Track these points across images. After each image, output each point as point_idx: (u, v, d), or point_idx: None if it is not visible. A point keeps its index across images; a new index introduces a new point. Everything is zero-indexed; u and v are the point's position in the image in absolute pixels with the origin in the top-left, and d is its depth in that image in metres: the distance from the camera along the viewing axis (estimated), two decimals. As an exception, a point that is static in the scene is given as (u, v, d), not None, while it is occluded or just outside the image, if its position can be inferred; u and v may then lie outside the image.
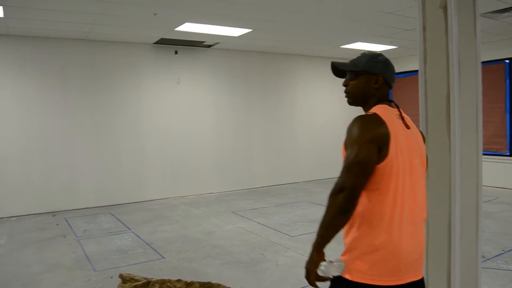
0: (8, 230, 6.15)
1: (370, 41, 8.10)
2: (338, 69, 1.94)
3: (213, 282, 3.61)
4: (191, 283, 3.53)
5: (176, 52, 8.25)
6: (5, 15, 5.72)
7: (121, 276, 3.83)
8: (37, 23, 6.24)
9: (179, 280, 3.58)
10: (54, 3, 5.34)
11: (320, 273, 1.66)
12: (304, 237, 5.43)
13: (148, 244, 5.32)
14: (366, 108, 1.86)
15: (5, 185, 6.95)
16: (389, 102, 1.84)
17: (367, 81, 1.83)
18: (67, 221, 6.63)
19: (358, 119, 1.69)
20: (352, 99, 1.89)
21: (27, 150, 7.10)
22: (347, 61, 1.92)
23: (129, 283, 3.68)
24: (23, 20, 6.07)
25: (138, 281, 3.70)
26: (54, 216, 7.00)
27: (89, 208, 7.49)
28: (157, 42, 7.88)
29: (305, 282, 1.72)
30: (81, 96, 7.49)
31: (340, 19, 6.52)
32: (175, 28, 6.77)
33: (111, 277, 4.16)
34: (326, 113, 10.19)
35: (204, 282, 3.58)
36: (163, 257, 4.82)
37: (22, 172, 7.08)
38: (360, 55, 1.90)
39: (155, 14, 5.92)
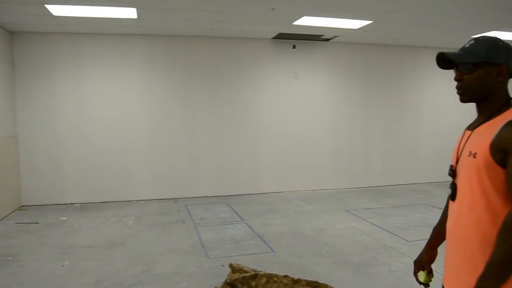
0: (136, 212, 6.76)
1: (509, 29, 7.18)
2: (444, 61, 1.61)
3: (320, 282, 3.50)
4: (298, 280, 3.47)
5: (294, 47, 8.24)
6: (138, 16, 6.24)
7: (231, 265, 3.92)
8: (166, 22, 6.71)
9: (286, 276, 3.55)
10: (180, 2, 5.68)
11: None
12: (421, 243, 5.00)
13: (260, 237, 5.40)
14: (487, 106, 1.55)
15: (136, 172, 7.66)
16: None
17: (488, 73, 1.51)
18: (187, 208, 7.06)
19: None
20: (468, 96, 1.57)
21: (155, 141, 7.72)
22: (456, 51, 1.59)
23: (238, 274, 3.75)
24: (154, 20, 6.57)
25: (247, 272, 3.75)
26: (176, 202, 7.51)
27: (207, 197, 7.89)
28: (275, 37, 7.95)
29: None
30: (203, 90, 7.89)
31: (477, 6, 5.86)
32: (293, 22, 6.75)
33: (222, 265, 4.29)
34: (453, 111, 9.35)
35: (311, 281, 3.49)
36: (273, 251, 4.85)
37: (150, 160, 7.72)
38: (473, 41, 1.56)
39: (273, 9, 5.96)
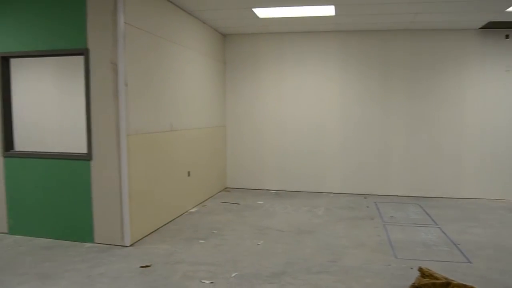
0: (326, 204, 6.96)
1: None
2: None
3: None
4: (499, 297, 3.09)
5: (507, 36, 7.23)
6: (336, 13, 6.36)
7: (420, 269, 3.73)
8: (363, 17, 6.67)
9: (484, 290, 3.20)
10: (378, -5, 5.59)
11: None
12: None
13: (455, 244, 4.96)
14: None
15: (328, 166, 7.88)
16: None
17: None
18: (376, 205, 6.94)
19: None
20: None
21: (347, 136, 7.79)
22: None
23: (427, 279, 3.54)
24: (351, 16, 6.60)
25: (438, 279, 3.52)
26: (365, 198, 7.45)
27: (397, 196, 7.60)
28: (484, 27, 7.11)
29: None
30: (400, 86, 7.59)
31: None
32: (507, 9, 5.93)
33: (411, 268, 4.10)
34: None
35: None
36: (470, 262, 4.40)
37: (341, 155, 7.84)
38: None
39: (484, -6, 5.35)
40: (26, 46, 4.93)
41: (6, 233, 5.21)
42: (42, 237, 5.04)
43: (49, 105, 5.48)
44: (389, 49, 7.57)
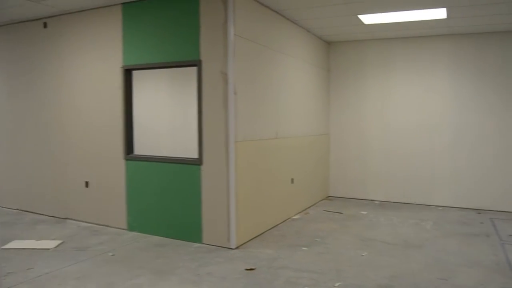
0: (434, 218, 6.57)
1: None
2: None
3: None
4: None
5: None
6: (448, 16, 6.02)
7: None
8: (477, 19, 6.22)
9: None
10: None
11: None
12: None
13: None
14: None
15: (437, 177, 7.44)
16: None
17: None
18: (492, 221, 6.39)
19: None
20: None
21: (458, 146, 7.28)
22: None
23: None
24: (464, 18, 6.19)
25: None
26: (479, 214, 6.90)
27: (518, 212, 6.93)
28: None
29: None
30: (520, 91, 6.95)
31: None
32: None
33: (536, 292, 3.71)
34: None
35: None
36: None
37: (452, 166, 7.34)
38: None
39: None
40: (146, 59, 5.41)
41: (125, 229, 5.73)
42: (156, 235, 5.46)
43: (162, 112, 5.95)
44: (507, 53, 6.94)
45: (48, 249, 4.95)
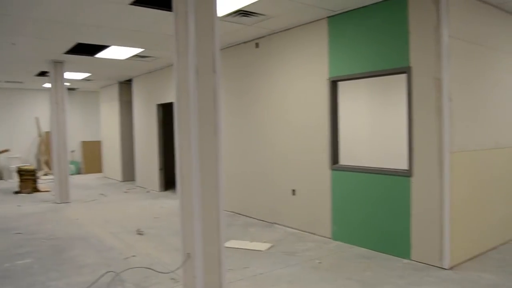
0: None
1: None
2: None
3: None
4: None
5: None
6: None
7: None
8: None
9: None
10: None
11: None
12: None
13: None
14: None
15: None
16: None
17: None
18: None
19: None
20: None
21: None
22: None
23: None
24: None
25: None
26: None
27: None
28: None
29: None
30: None
31: None
32: None
33: None
34: None
35: None
36: None
37: None
38: None
39: None
40: (352, 69, 5.42)
41: (330, 238, 5.80)
42: (361, 246, 5.38)
43: (360, 122, 5.88)
44: None
45: (261, 250, 5.34)
